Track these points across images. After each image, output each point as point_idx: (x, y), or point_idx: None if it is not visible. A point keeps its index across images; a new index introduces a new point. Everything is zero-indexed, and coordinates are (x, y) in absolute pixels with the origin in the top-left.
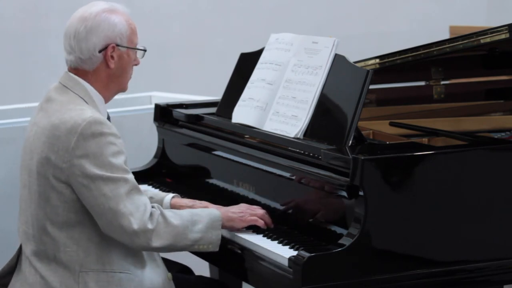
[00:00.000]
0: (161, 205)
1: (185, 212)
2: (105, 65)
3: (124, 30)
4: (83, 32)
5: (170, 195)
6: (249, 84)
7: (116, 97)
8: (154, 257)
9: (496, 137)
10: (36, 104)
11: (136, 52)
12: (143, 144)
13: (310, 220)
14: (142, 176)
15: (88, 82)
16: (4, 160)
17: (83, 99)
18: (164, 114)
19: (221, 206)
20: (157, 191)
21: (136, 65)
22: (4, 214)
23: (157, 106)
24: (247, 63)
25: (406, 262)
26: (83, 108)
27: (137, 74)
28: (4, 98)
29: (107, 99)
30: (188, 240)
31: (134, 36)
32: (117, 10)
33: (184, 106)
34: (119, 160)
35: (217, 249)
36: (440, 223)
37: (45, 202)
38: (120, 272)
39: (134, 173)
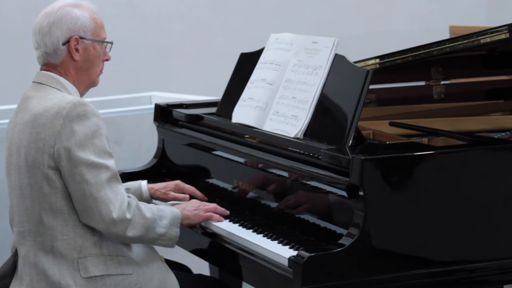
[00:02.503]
0: (141, 192)
1: (152, 206)
2: (70, 57)
3: (88, 23)
4: (46, 27)
5: (144, 181)
6: (249, 84)
7: (116, 97)
8: (150, 245)
9: (496, 137)
10: None
11: (105, 46)
12: (143, 144)
13: (310, 220)
14: (142, 176)
15: (60, 76)
16: (3, 160)
17: (60, 91)
18: (164, 114)
19: (177, 203)
20: (129, 183)
21: (106, 60)
22: (4, 214)
23: (157, 106)
24: (247, 63)
25: (406, 262)
26: (64, 95)
27: (137, 74)
28: (4, 98)
29: (81, 93)
30: (155, 234)
31: (99, 30)
32: (81, 5)
33: (184, 106)
34: (103, 143)
35: (174, 246)
36: (440, 223)
37: (38, 192)
38: (116, 256)
39: (134, 173)
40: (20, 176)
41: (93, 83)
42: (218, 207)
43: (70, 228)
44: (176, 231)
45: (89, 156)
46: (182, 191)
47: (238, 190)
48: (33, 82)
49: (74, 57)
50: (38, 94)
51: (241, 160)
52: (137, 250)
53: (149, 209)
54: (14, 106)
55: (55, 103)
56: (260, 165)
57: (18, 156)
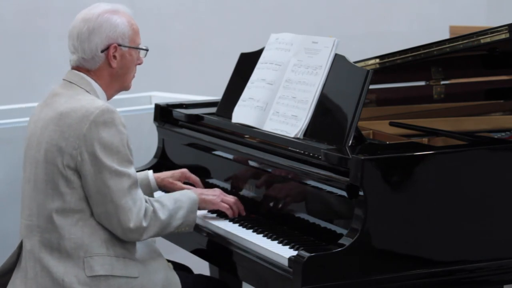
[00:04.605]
0: (148, 182)
1: (168, 202)
2: (107, 64)
3: (126, 31)
4: (85, 33)
5: (150, 172)
6: (249, 84)
7: (116, 97)
8: (154, 247)
9: (496, 137)
10: (35, 104)
11: (139, 51)
12: (143, 144)
13: (310, 220)
14: None
15: (91, 78)
16: (3, 160)
17: (89, 93)
18: (164, 114)
19: (196, 189)
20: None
21: (139, 64)
22: (4, 214)
23: (157, 106)
24: (247, 63)
25: (406, 262)
26: (93, 98)
27: (137, 74)
28: (4, 98)
29: (109, 96)
30: (171, 228)
31: (136, 36)
32: (119, 11)
33: (184, 106)
34: (126, 152)
35: (192, 230)
36: (440, 223)
37: (53, 189)
38: (123, 257)
39: None
40: (37, 170)
41: (126, 88)
42: (238, 202)
43: (78, 227)
44: (193, 217)
45: (113, 163)
46: (188, 180)
47: (237, 190)
48: (63, 79)
49: (111, 64)
50: (67, 93)
51: (241, 160)
52: (142, 254)
53: (166, 209)
54: (15, 106)
55: (83, 105)
56: (260, 165)
57: (37, 151)
